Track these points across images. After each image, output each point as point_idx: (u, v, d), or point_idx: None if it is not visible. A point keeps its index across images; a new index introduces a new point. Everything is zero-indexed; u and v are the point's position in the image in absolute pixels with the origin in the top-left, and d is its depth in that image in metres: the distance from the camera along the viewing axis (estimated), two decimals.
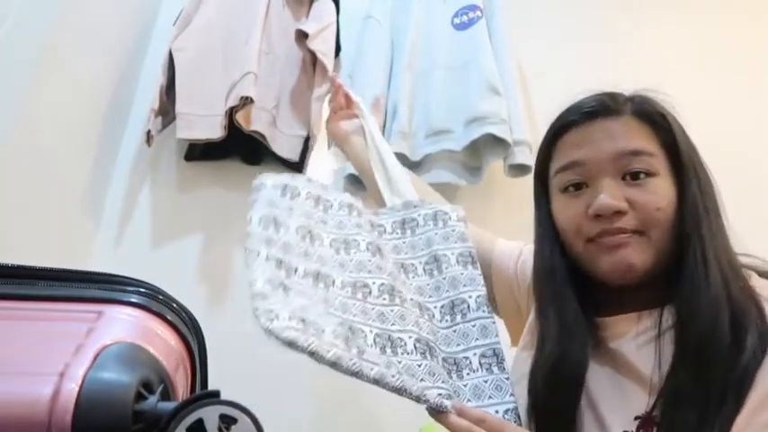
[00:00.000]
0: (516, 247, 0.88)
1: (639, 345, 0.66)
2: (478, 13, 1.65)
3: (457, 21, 1.67)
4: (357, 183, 1.57)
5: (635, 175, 0.67)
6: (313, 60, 1.59)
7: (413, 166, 1.60)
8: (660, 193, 0.67)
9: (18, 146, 1.19)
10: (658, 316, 0.66)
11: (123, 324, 0.35)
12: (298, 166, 1.62)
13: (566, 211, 0.71)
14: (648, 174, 0.67)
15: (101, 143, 1.54)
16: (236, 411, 0.38)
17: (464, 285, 0.73)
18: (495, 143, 1.52)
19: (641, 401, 0.63)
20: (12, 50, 1.18)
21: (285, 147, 1.57)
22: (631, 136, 0.69)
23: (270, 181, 0.84)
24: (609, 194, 0.66)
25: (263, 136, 1.51)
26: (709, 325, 0.61)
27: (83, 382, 0.30)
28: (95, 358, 0.32)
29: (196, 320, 0.39)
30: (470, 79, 1.56)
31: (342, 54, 1.74)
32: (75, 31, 1.36)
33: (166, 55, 1.54)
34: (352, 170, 1.52)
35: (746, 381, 0.58)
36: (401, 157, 1.56)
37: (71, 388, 0.30)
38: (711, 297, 0.62)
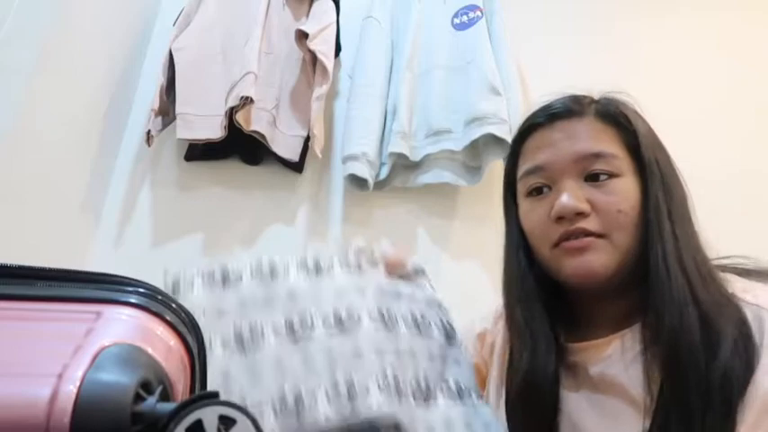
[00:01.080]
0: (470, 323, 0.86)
1: (627, 364, 0.64)
2: (478, 13, 1.65)
3: (457, 21, 1.67)
4: (358, 183, 1.57)
5: (596, 177, 0.66)
6: (313, 60, 1.59)
7: (413, 166, 1.61)
8: (622, 194, 0.66)
9: (18, 146, 1.18)
10: (639, 331, 0.64)
11: (122, 325, 0.35)
12: (298, 166, 1.62)
13: (530, 215, 0.71)
14: (611, 175, 0.66)
15: (101, 143, 1.54)
16: (235, 412, 0.38)
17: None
18: (495, 143, 1.52)
19: (636, 424, 0.61)
20: (12, 50, 1.18)
21: (285, 147, 1.57)
22: (593, 137, 0.68)
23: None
24: (570, 196, 0.66)
25: (263, 136, 1.51)
26: (675, 332, 0.59)
27: (81, 383, 0.30)
28: (94, 359, 0.31)
29: (195, 320, 0.39)
30: (470, 79, 1.56)
31: (342, 54, 1.74)
32: (75, 32, 1.36)
33: (166, 55, 1.54)
34: (353, 170, 1.52)
35: (729, 386, 0.56)
36: (401, 157, 1.57)
37: (69, 389, 0.29)
38: (675, 302, 0.60)
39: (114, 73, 1.59)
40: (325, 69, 1.56)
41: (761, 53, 1.92)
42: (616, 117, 0.69)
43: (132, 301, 0.35)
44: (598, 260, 0.64)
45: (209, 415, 0.36)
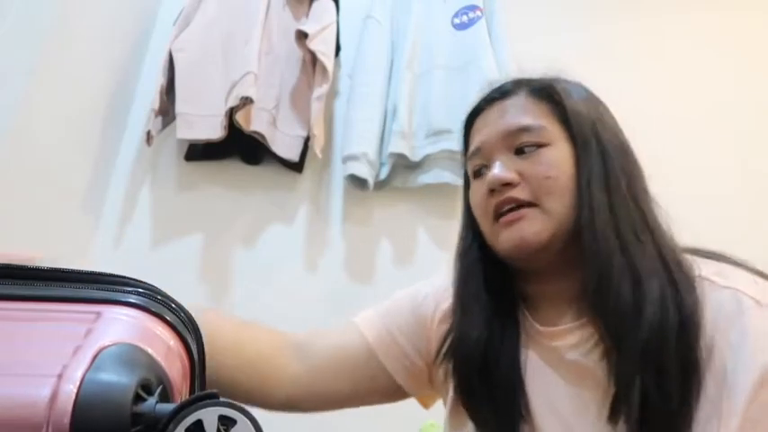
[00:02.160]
0: (379, 314, 0.81)
1: (585, 352, 0.64)
2: (478, 13, 1.65)
3: (457, 21, 1.67)
4: (358, 183, 1.57)
5: (523, 149, 0.68)
6: (313, 60, 1.59)
7: (413, 166, 1.61)
8: (550, 162, 0.66)
9: (18, 146, 1.18)
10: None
11: (122, 325, 0.35)
12: (297, 167, 1.62)
13: (474, 195, 0.72)
14: (539, 145, 0.67)
15: (101, 143, 1.54)
16: (235, 412, 0.38)
17: None
18: None
19: (604, 408, 0.61)
20: (12, 50, 1.18)
21: (285, 147, 1.57)
22: (521, 112, 0.70)
23: None
24: (498, 168, 0.67)
25: (262, 136, 1.51)
26: (607, 296, 0.60)
27: (81, 383, 0.30)
28: (94, 359, 0.31)
29: (195, 321, 0.39)
30: (470, 79, 1.56)
31: (342, 54, 1.74)
32: (75, 32, 1.36)
33: (166, 55, 1.54)
34: (353, 170, 1.52)
35: (665, 347, 0.56)
36: (401, 157, 1.57)
37: (69, 390, 0.29)
38: (604, 264, 0.61)
39: (114, 73, 1.59)
40: (325, 69, 1.56)
41: (761, 53, 1.92)
42: (547, 92, 0.71)
43: (132, 301, 0.35)
44: (530, 228, 0.65)
45: (209, 415, 0.36)
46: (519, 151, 0.68)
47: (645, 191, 0.68)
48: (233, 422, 0.38)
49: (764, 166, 1.77)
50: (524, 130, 0.68)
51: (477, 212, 0.72)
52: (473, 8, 1.66)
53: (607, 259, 0.61)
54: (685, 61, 1.88)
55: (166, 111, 1.54)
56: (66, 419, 0.29)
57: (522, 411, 0.66)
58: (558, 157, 0.67)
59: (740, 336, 0.55)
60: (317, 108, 1.54)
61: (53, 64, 1.28)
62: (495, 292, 0.71)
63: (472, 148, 0.73)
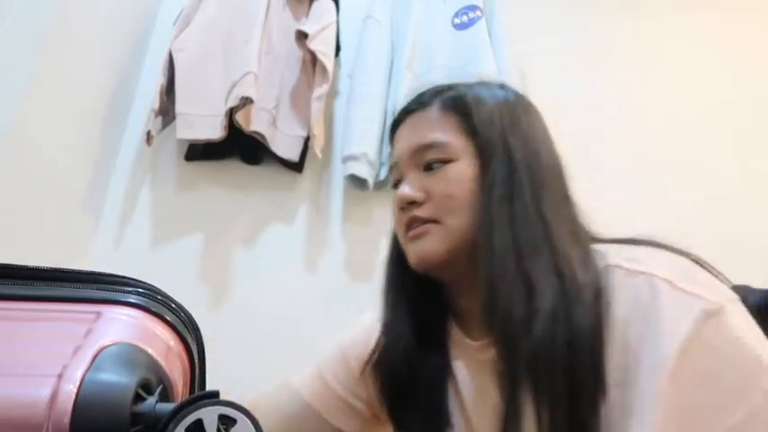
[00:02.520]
0: (314, 368, 0.81)
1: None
2: (478, 13, 1.65)
3: (457, 21, 1.67)
4: (358, 183, 1.57)
5: (431, 166, 0.68)
6: (313, 60, 1.59)
7: None
8: (453, 179, 0.66)
9: (18, 146, 1.19)
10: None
11: (122, 325, 0.35)
12: (297, 166, 1.62)
13: (393, 207, 0.73)
14: (445, 162, 0.67)
15: (101, 143, 1.54)
16: (235, 412, 0.38)
17: None
18: None
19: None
20: (11, 50, 1.18)
21: (285, 147, 1.57)
22: (428, 128, 0.70)
23: None
24: (405, 186, 0.68)
25: (262, 136, 1.51)
26: (498, 313, 0.59)
27: (81, 383, 0.30)
28: (94, 359, 0.31)
29: (194, 320, 0.39)
30: (470, 79, 1.56)
31: (342, 54, 1.74)
32: (75, 32, 1.36)
33: (166, 55, 1.54)
34: (353, 170, 1.52)
35: (553, 364, 0.54)
36: None
37: (69, 390, 0.30)
38: (495, 280, 0.60)
39: (114, 73, 1.59)
40: (325, 69, 1.56)
41: (761, 53, 1.92)
42: (456, 103, 0.70)
43: (132, 301, 0.35)
44: (428, 244, 0.66)
45: (209, 415, 0.36)
46: (428, 167, 0.68)
47: (559, 195, 0.67)
48: (233, 421, 0.38)
49: (765, 166, 1.77)
50: (430, 146, 0.68)
51: (395, 224, 0.73)
52: (473, 8, 1.66)
53: (500, 275, 0.60)
54: (685, 61, 1.88)
55: (166, 111, 1.54)
56: (67, 419, 0.29)
57: (448, 421, 0.67)
58: (461, 173, 0.66)
59: (653, 326, 0.52)
60: (316, 108, 1.54)
61: (53, 64, 1.28)
62: (420, 303, 0.71)
63: (390, 162, 0.75)
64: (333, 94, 1.74)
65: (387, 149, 1.57)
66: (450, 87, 0.73)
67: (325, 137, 1.63)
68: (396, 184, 0.73)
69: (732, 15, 1.96)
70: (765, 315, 0.69)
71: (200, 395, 0.36)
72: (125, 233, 1.58)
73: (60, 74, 1.31)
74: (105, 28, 1.52)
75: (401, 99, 1.58)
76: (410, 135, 0.71)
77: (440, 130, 0.69)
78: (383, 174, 1.59)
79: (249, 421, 0.38)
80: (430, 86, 0.75)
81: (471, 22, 1.64)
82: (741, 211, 1.70)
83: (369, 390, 0.76)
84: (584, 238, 0.64)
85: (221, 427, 0.37)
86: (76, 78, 1.39)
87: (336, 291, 1.57)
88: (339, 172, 1.65)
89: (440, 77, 1.64)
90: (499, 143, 0.67)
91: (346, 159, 1.55)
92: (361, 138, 1.56)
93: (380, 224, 1.65)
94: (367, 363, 0.73)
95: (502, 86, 0.75)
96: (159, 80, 1.51)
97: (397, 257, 0.73)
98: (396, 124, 0.76)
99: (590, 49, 1.83)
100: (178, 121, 1.49)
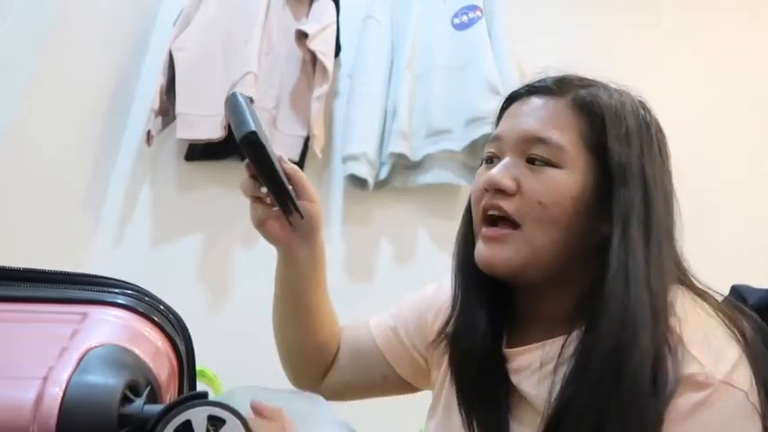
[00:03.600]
0: (389, 317, 0.85)
1: (541, 378, 0.61)
2: (478, 13, 1.64)
3: (457, 21, 1.66)
4: (358, 183, 1.57)
5: (532, 160, 0.63)
6: (313, 60, 1.59)
7: (413, 166, 1.60)
8: (551, 186, 0.61)
9: (18, 146, 1.19)
10: (563, 344, 0.60)
11: (109, 326, 0.34)
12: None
13: (475, 182, 0.69)
14: (549, 164, 0.62)
15: (101, 143, 1.55)
16: (224, 412, 0.38)
17: None
18: None
19: None
20: (11, 50, 1.18)
21: (285, 147, 1.57)
22: (548, 121, 0.64)
23: None
24: (500, 170, 0.63)
25: None
26: (623, 352, 0.54)
27: (67, 386, 0.30)
28: (80, 361, 0.31)
29: (183, 321, 0.39)
30: (470, 79, 1.56)
31: (342, 54, 1.74)
32: (75, 32, 1.36)
33: (166, 55, 1.54)
34: (353, 170, 1.52)
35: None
36: (401, 157, 1.56)
37: (55, 392, 0.29)
38: (630, 321, 0.55)
39: (114, 73, 1.59)
40: (325, 69, 1.56)
41: (761, 53, 1.91)
42: (591, 110, 0.63)
43: (119, 301, 0.35)
44: (503, 253, 0.62)
45: (197, 415, 0.36)
46: (530, 160, 0.63)
47: (671, 239, 0.63)
48: (222, 422, 0.37)
49: (765, 166, 1.77)
50: (542, 141, 0.62)
51: (471, 197, 0.69)
52: (473, 8, 1.65)
53: (633, 310, 0.55)
54: (686, 61, 1.87)
55: (166, 111, 1.54)
56: (53, 422, 0.29)
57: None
58: (561, 184, 0.61)
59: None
60: (316, 108, 1.54)
61: (53, 64, 1.28)
62: (491, 291, 0.68)
63: (494, 132, 0.69)
64: (333, 94, 1.73)
65: (387, 149, 1.57)
66: (585, 84, 0.67)
67: (326, 137, 1.63)
68: (489, 159, 0.68)
69: (733, 15, 1.96)
70: (765, 315, 0.69)
71: (189, 396, 0.36)
72: (125, 233, 1.58)
73: (60, 74, 1.31)
74: (105, 28, 1.52)
75: (401, 99, 1.58)
76: (526, 118, 0.65)
77: (560, 129, 0.63)
78: (383, 174, 1.59)
79: (238, 421, 0.38)
80: (561, 73, 0.69)
81: (471, 22, 1.64)
82: (741, 211, 1.69)
83: (433, 353, 0.77)
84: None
85: (210, 427, 0.37)
86: (76, 78, 1.39)
87: (336, 291, 1.56)
88: (339, 172, 1.65)
89: (440, 77, 1.65)
90: (636, 170, 0.61)
91: (346, 159, 1.55)
92: (361, 138, 1.56)
93: (380, 224, 1.65)
94: (439, 336, 0.72)
95: (641, 103, 0.68)
96: (159, 80, 1.52)
97: (470, 238, 0.69)
98: (514, 97, 0.70)
99: (590, 50, 1.82)
100: (178, 121, 1.50)
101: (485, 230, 0.64)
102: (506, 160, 0.64)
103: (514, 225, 0.62)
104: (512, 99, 0.71)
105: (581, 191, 0.61)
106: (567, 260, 0.62)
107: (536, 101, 0.67)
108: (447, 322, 0.71)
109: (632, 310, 0.55)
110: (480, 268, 0.64)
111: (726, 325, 0.58)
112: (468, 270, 0.69)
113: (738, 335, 0.57)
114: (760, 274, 0.81)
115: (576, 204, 0.61)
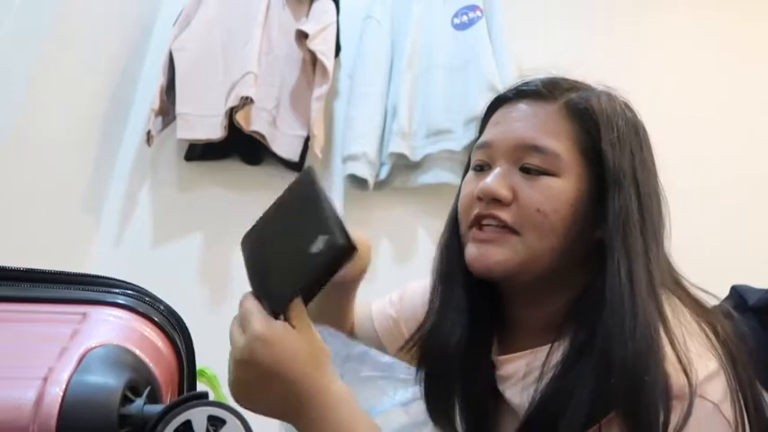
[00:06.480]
0: (389, 302, 0.86)
1: (524, 387, 0.60)
2: (478, 13, 1.64)
3: (457, 21, 1.66)
4: (358, 183, 1.57)
5: (529, 169, 0.61)
6: (313, 60, 1.59)
7: (413, 166, 1.60)
8: (549, 194, 0.60)
9: (18, 146, 1.19)
10: (548, 352, 0.59)
11: (109, 326, 0.34)
12: (298, 166, 1.62)
13: (464, 188, 0.67)
14: (544, 172, 0.60)
15: (101, 143, 1.55)
16: (224, 412, 0.38)
17: None
18: None
19: None
20: (12, 50, 1.18)
21: (285, 147, 1.57)
22: (542, 128, 0.62)
23: None
24: (495, 179, 0.61)
25: (262, 136, 1.51)
26: (630, 360, 0.52)
27: (67, 386, 0.30)
28: (80, 361, 0.31)
29: (183, 321, 0.39)
30: (470, 79, 1.56)
31: (342, 54, 1.74)
32: (75, 32, 1.36)
33: (166, 55, 1.54)
34: (353, 170, 1.52)
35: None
36: (401, 157, 1.56)
37: (55, 392, 0.29)
38: (635, 329, 0.53)
39: (114, 73, 1.59)
40: (325, 69, 1.56)
41: (760, 53, 1.91)
42: (583, 115, 0.62)
43: (119, 302, 0.35)
44: (497, 255, 0.60)
45: (198, 416, 0.36)
46: (523, 169, 0.62)
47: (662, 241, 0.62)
48: (222, 422, 0.37)
49: (765, 166, 1.77)
50: (537, 150, 0.61)
51: (460, 207, 0.67)
52: (473, 8, 1.65)
53: (633, 313, 0.54)
54: (686, 60, 1.87)
55: (166, 111, 1.54)
56: (53, 422, 0.29)
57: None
58: (559, 191, 0.60)
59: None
60: (316, 108, 1.54)
61: (53, 65, 1.28)
62: (473, 299, 0.68)
63: (481, 139, 0.67)
64: (333, 94, 1.73)
65: (387, 149, 1.57)
66: (577, 87, 0.66)
67: (326, 137, 1.63)
68: (478, 167, 0.66)
69: (733, 15, 1.95)
70: (765, 315, 0.69)
71: (189, 396, 0.36)
72: (125, 233, 1.58)
73: (60, 74, 1.31)
74: (105, 28, 1.52)
75: (401, 99, 1.58)
76: (518, 124, 0.63)
77: (554, 136, 0.61)
78: (383, 174, 1.59)
79: (238, 421, 0.38)
80: (551, 75, 0.67)
81: (471, 22, 1.64)
82: (738, 211, 1.69)
83: None
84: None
85: (210, 427, 0.37)
86: (76, 78, 1.39)
87: None
88: (339, 172, 1.65)
89: (440, 77, 1.65)
90: (629, 174, 0.60)
91: (346, 159, 1.55)
92: (361, 138, 1.56)
93: (380, 224, 1.65)
94: (409, 342, 0.72)
95: (627, 105, 0.67)
96: (159, 80, 1.52)
97: (455, 246, 0.68)
98: (502, 100, 0.68)
99: (590, 49, 1.82)
100: (178, 121, 1.49)
101: (476, 233, 0.63)
102: (499, 169, 0.63)
103: (512, 231, 0.61)
104: (498, 102, 0.69)
105: (578, 197, 0.60)
106: (560, 266, 0.61)
107: (526, 106, 0.65)
108: (419, 329, 0.71)
109: (637, 317, 0.54)
110: (473, 271, 0.63)
111: (706, 335, 0.57)
112: (452, 277, 0.68)
113: (719, 345, 0.56)
114: (761, 273, 0.81)
115: (574, 211, 0.60)
